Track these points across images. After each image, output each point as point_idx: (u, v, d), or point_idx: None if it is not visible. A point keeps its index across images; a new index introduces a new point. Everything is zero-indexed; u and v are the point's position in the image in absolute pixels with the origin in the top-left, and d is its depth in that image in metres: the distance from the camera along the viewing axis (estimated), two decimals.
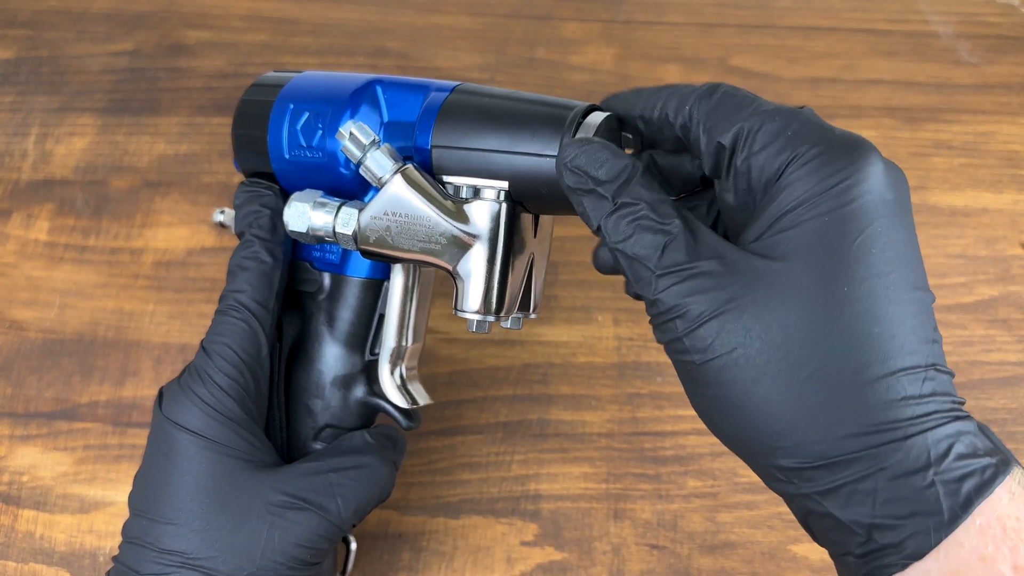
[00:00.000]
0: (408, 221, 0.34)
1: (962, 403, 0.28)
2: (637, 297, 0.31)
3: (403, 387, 0.38)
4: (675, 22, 0.70)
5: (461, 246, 0.33)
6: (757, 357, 0.26)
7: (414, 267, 0.38)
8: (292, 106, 0.38)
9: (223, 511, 0.35)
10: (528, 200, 0.34)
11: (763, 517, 0.49)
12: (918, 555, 0.25)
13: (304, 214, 0.35)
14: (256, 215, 0.37)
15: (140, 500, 0.37)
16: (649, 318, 0.30)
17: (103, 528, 0.49)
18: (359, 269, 0.38)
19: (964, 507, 0.25)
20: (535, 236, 0.37)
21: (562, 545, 0.48)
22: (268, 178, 0.40)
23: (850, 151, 0.27)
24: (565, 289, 0.57)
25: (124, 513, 0.49)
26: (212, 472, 0.35)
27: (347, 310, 0.38)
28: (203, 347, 0.37)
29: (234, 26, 0.69)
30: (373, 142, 0.34)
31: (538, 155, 0.32)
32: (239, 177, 0.61)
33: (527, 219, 0.36)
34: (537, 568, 0.48)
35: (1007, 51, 0.68)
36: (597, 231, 0.30)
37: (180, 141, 0.63)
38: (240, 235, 0.38)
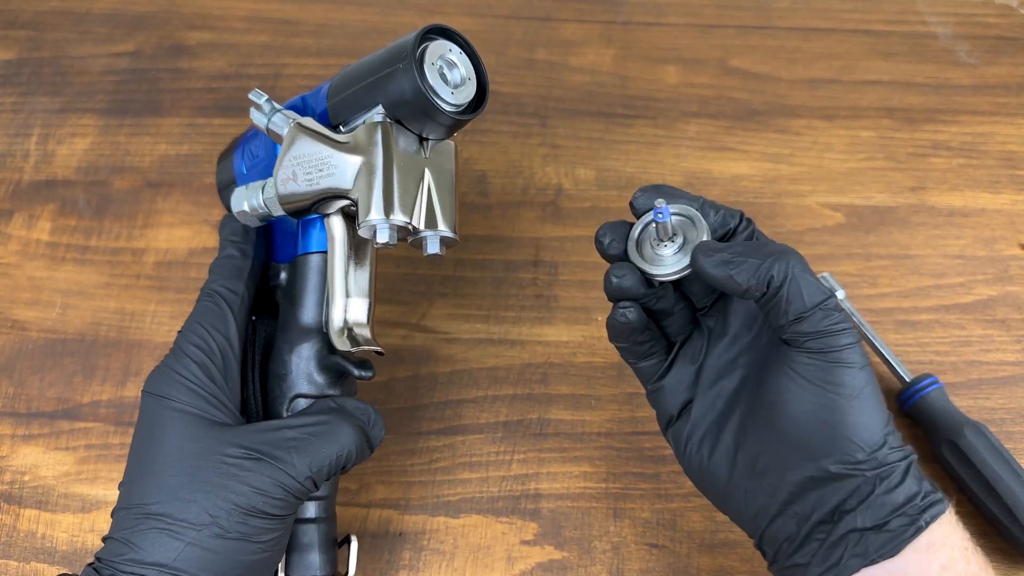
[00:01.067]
0: (305, 159, 0.39)
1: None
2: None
3: (349, 334, 0.40)
4: (674, 23, 0.70)
5: (350, 165, 0.38)
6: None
7: (346, 229, 0.41)
8: (243, 143, 0.47)
9: (181, 463, 0.37)
10: (404, 116, 0.38)
11: None
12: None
13: (240, 197, 0.42)
14: (231, 224, 0.44)
15: (125, 476, 0.39)
16: (807, 337, 0.36)
17: (105, 527, 0.49)
18: (304, 248, 0.43)
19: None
20: (426, 155, 0.40)
21: (562, 544, 0.49)
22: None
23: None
24: (565, 289, 0.57)
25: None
26: (175, 431, 0.38)
27: (299, 285, 0.42)
28: (180, 331, 0.41)
29: (235, 27, 0.69)
30: (268, 101, 0.40)
31: (394, 69, 0.37)
32: None
33: (412, 138, 0.40)
34: (537, 567, 0.48)
35: (1005, 52, 0.68)
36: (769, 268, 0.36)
37: (181, 142, 0.63)
38: (219, 250, 0.44)
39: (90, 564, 0.37)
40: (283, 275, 0.44)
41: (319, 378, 0.41)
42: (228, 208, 0.45)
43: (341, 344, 0.40)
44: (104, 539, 0.38)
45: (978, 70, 0.67)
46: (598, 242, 0.39)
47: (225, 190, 0.47)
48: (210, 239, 0.59)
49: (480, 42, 0.69)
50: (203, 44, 0.68)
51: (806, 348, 0.35)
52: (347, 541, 0.44)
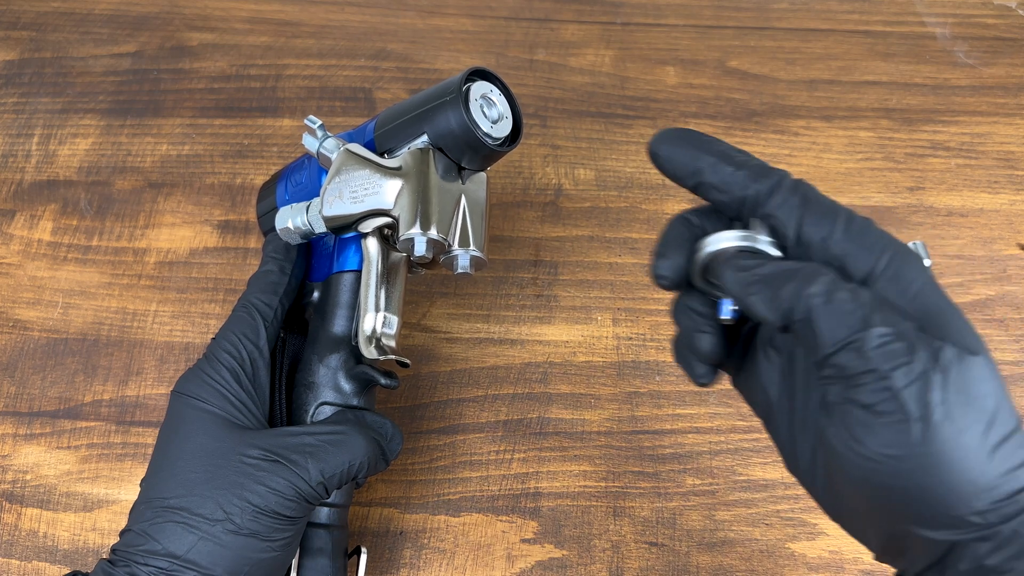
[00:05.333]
0: (352, 180, 0.42)
1: None
2: (819, 364, 0.29)
3: (376, 343, 0.43)
4: (673, 24, 0.70)
5: (393, 187, 0.41)
6: (958, 412, 0.28)
7: (381, 247, 0.44)
8: (286, 175, 0.49)
9: (201, 460, 0.38)
10: (447, 146, 0.42)
11: (761, 515, 0.49)
12: None
13: (285, 215, 0.44)
14: (274, 242, 0.46)
15: (147, 473, 0.40)
16: (836, 382, 0.29)
17: (106, 526, 0.49)
18: (339, 267, 0.45)
19: None
20: (462, 183, 0.43)
21: (562, 543, 0.49)
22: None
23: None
24: (565, 289, 0.57)
25: (127, 511, 0.49)
26: (200, 429, 0.39)
27: (331, 301, 0.45)
28: (213, 337, 0.43)
29: (236, 28, 0.70)
30: (321, 127, 0.43)
31: (441, 103, 0.41)
32: (241, 178, 0.62)
33: (451, 166, 0.43)
34: (537, 565, 0.48)
35: (1004, 53, 0.69)
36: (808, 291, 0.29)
37: (183, 142, 0.63)
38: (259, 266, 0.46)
39: (105, 557, 0.38)
40: (316, 293, 0.46)
41: (346, 386, 0.43)
42: (264, 232, 0.50)
43: (369, 353, 0.42)
44: (121, 532, 0.38)
45: (976, 71, 0.67)
46: (657, 278, 0.33)
47: (265, 216, 0.50)
48: (212, 239, 0.59)
49: (480, 43, 0.70)
50: (205, 45, 0.69)
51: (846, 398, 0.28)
52: (357, 552, 0.45)
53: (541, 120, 0.64)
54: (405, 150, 0.42)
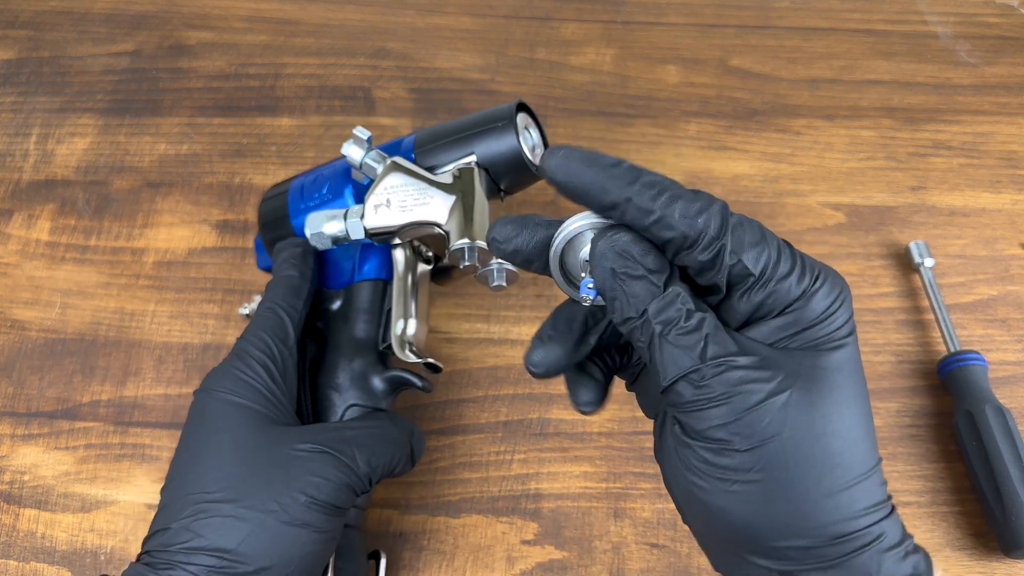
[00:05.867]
0: (400, 190, 0.44)
1: (889, 497, 0.31)
2: (665, 391, 0.30)
3: (410, 348, 0.45)
4: (674, 23, 0.70)
5: (445, 199, 0.43)
6: (791, 447, 0.29)
7: (407, 259, 0.47)
8: (302, 185, 0.50)
9: (243, 454, 0.38)
10: (493, 166, 0.44)
11: None
12: None
13: (318, 220, 0.45)
14: (290, 249, 0.47)
15: (173, 472, 0.39)
16: (671, 406, 0.30)
17: (104, 527, 0.49)
18: (363, 275, 0.47)
19: None
20: (502, 200, 0.46)
21: (562, 544, 0.49)
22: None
23: (839, 280, 0.31)
24: None
25: (125, 512, 0.49)
26: (239, 424, 0.39)
27: (356, 307, 0.46)
28: (240, 337, 0.43)
29: (235, 27, 0.69)
30: (369, 139, 0.44)
31: (493, 127, 0.44)
32: (239, 177, 0.61)
33: (492, 187, 0.45)
34: (537, 567, 0.48)
35: (1006, 52, 0.68)
36: (639, 316, 0.29)
37: (181, 141, 0.63)
38: (273, 276, 0.46)
39: (138, 559, 0.37)
40: (337, 300, 0.48)
41: (376, 389, 0.45)
42: (269, 242, 0.50)
43: (405, 356, 0.44)
44: (150, 534, 0.38)
45: (979, 70, 0.67)
46: (493, 243, 0.32)
47: (273, 224, 0.50)
48: (210, 239, 0.59)
49: (480, 42, 0.70)
50: (203, 44, 0.68)
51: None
52: (377, 556, 0.46)
53: (541, 119, 0.64)
54: (451, 167, 0.45)
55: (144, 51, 0.68)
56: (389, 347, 0.46)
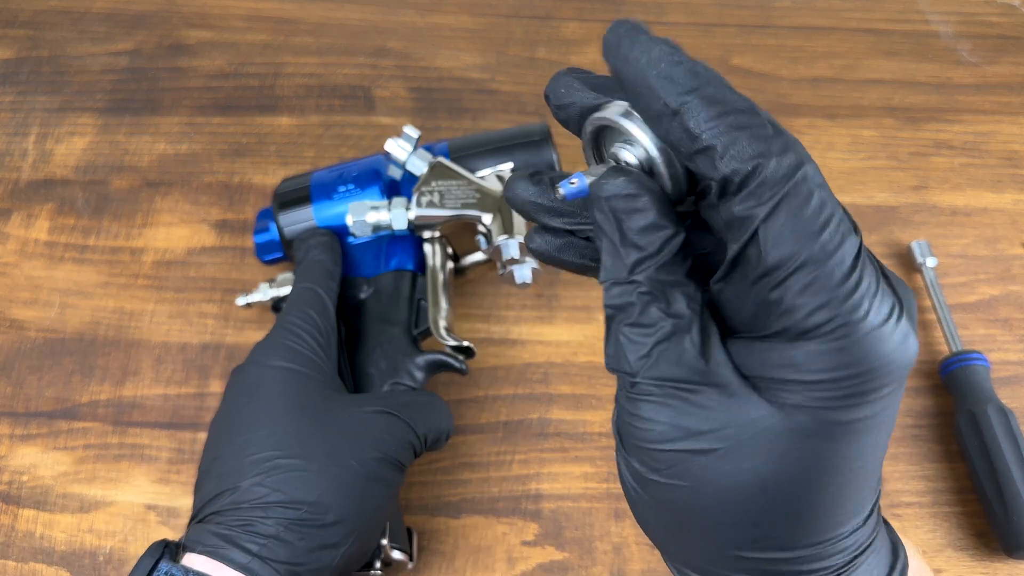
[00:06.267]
0: (449, 188, 0.49)
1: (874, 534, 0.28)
2: (612, 371, 0.26)
3: (448, 331, 0.49)
4: (675, 22, 0.70)
5: (494, 198, 0.49)
6: (714, 496, 0.25)
7: (438, 252, 0.51)
8: (330, 178, 0.53)
9: (308, 416, 0.39)
10: None
11: None
12: None
13: (361, 209, 0.50)
14: (317, 237, 0.49)
15: (219, 441, 0.39)
16: (617, 391, 0.26)
17: (103, 528, 0.49)
18: (397, 265, 0.50)
19: None
20: None
21: (563, 545, 0.48)
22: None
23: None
24: (566, 289, 0.57)
25: (124, 512, 0.49)
26: (295, 388, 0.40)
27: (388, 295, 0.50)
28: (282, 312, 0.45)
29: (235, 26, 0.69)
30: (419, 138, 0.50)
31: (530, 140, 0.52)
32: (239, 177, 0.61)
33: None
34: (538, 568, 0.48)
35: (1008, 51, 0.68)
36: (602, 283, 0.26)
37: (180, 141, 0.63)
38: (300, 261, 0.49)
39: (196, 523, 0.37)
40: (365, 288, 0.50)
41: (416, 370, 0.47)
42: (285, 240, 0.52)
43: (443, 340, 0.48)
44: (211, 497, 0.37)
45: (980, 69, 0.67)
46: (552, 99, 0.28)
47: (289, 206, 0.52)
48: (209, 238, 0.58)
49: (480, 41, 0.69)
50: (202, 43, 0.68)
51: None
52: (409, 533, 0.47)
53: (542, 118, 0.64)
54: (487, 171, 0.51)
55: (143, 50, 0.68)
56: (421, 333, 0.49)
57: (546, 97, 0.28)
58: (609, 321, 0.25)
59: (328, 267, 0.48)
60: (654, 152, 0.25)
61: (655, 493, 0.26)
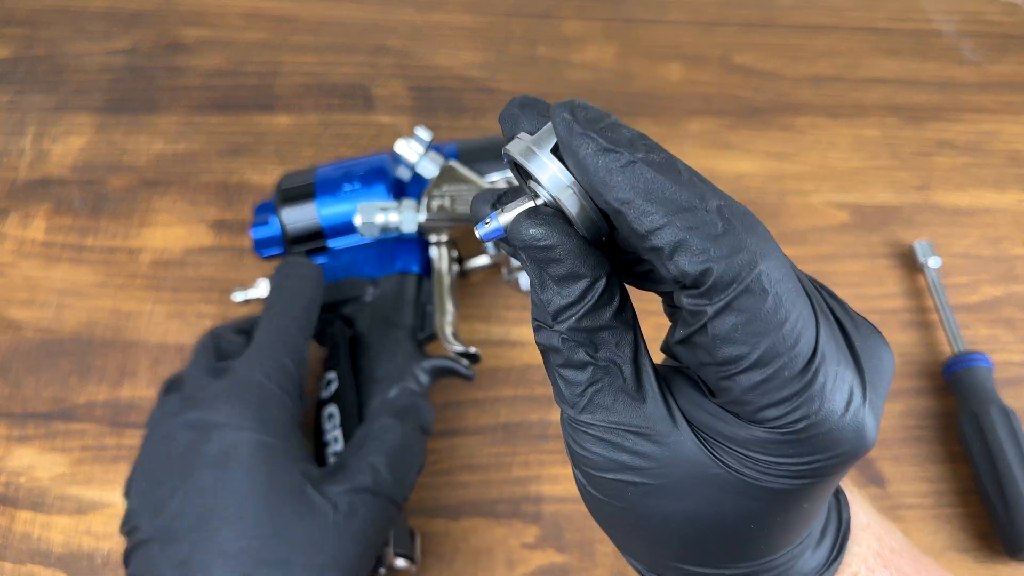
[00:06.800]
0: (460, 191, 0.49)
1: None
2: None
3: (454, 336, 0.48)
4: (676, 20, 0.69)
5: None
6: (648, 520, 0.26)
7: (446, 253, 0.51)
8: (328, 173, 0.52)
9: (291, 503, 0.38)
10: None
11: None
12: None
13: (370, 210, 0.49)
14: (305, 267, 0.47)
15: (178, 514, 0.38)
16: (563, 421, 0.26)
17: (100, 529, 0.48)
18: (402, 268, 0.50)
19: None
20: None
21: (563, 547, 0.48)
22: (309, 236, 0.53)
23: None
24: None
25: (121, 514, 0.49)
26: (275, 468, 0.38)
27: (392, 299, 0.49)
28: (254, 352, 0.42)
29: (232, 24, 0.69)
30: (430, 141, 0.50)
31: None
32: (237, 176, 0.61)
33: None
34: (538, 570, 0.48)
35: (1010, 50, 0.68)
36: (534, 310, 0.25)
37: (178, 140, 0.63)
38: (279, 288, 0.46)
39: None
40: (370, 290, 0.50)
41: (422, 375, 0.47)
42: (289, 241, 0.52)
43: (450, 346, 0.48)
44: None
45: (983, 68, 0.67)
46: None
47: (293, 200, 0.52)
48: (207, 238, 0.58)
49: (480, 39, 0.69)
50: (200, 41, 0.68)
51: None
52: (412, 535, 0.47)
53: None
54: (497, 176, 0.51)
55: (141, 49, 0.67)
56: (427, 338, 0.49)
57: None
58: (543, 358, 0.25)
59: (309, 306, 0.45)
60: (561, 197, 0.23)
61: (597, 506, 0.27)
